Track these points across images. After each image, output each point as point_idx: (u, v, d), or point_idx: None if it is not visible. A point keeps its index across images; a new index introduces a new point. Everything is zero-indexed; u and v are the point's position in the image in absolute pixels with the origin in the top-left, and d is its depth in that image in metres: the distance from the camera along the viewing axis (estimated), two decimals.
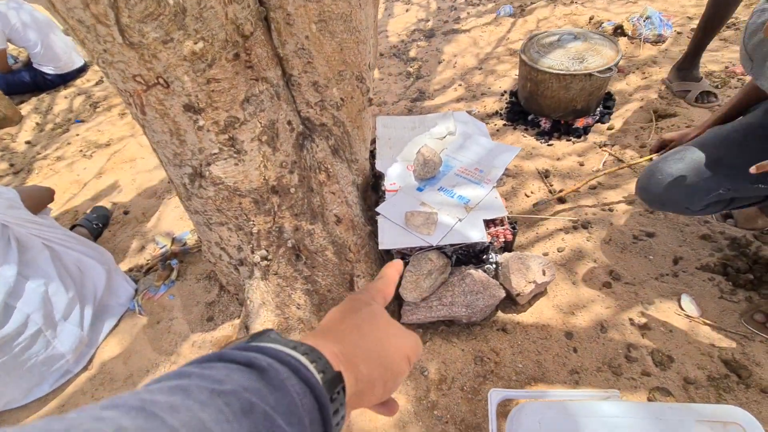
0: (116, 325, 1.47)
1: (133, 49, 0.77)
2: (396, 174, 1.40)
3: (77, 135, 2.71)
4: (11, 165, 2.52)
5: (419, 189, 1.34)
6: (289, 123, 1.01)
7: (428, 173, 1.34)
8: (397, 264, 0.46)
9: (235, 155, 0.95)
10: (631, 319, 1.20)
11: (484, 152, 1.43)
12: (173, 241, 1.72)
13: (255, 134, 0.94)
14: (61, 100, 3.16)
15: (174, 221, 1.86)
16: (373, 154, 1.49)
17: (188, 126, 0.89)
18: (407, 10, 3.50)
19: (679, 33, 2.44)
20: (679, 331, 1.16)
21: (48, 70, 3.16)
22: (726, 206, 1.15)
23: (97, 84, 3.31)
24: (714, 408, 0.64)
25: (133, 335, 1.43)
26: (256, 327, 1.19)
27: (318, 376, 0.28)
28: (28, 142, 2.73)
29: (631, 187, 1.63)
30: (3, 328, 1.13)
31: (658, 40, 2.41)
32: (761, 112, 1.09)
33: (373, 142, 1.54)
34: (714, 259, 1.31)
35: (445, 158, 1.43)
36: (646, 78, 2.16)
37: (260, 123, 0.94)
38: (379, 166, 1.42)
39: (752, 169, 0.87)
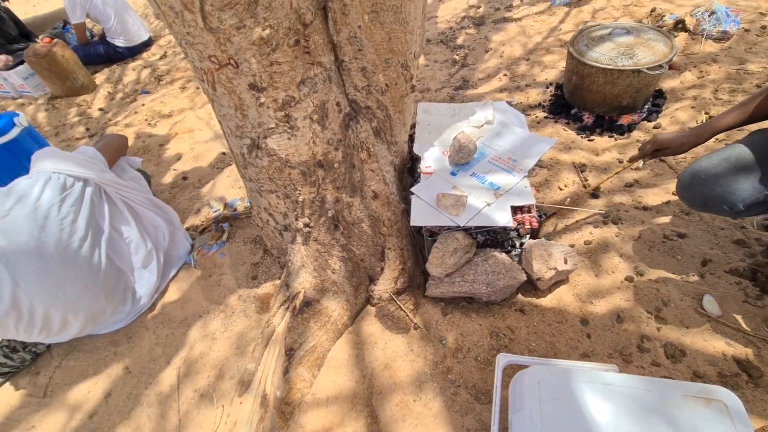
0: (175, 275, 1.68)
1: (212, 33, 0.89)
2: (432, 158, 1.48)
3: (143, 105, 2.97)
4: (87, 129, 2.82)
5: (453, 173, 1.41)
6: (338, 104, 1.12)
7: (462, 159, 1.41)
8: None
9: (288, 130, 1.08)
10: (648, 313, 1.24)
11: (519, 142, 1.48)
12: (225, 206, 1.90)
13: (307, 113, 1.06)
14: (130, 72, 3.45)
15: (226, 188, 2.05)
16: (412, 138, 1.57)
17: (251, 102, 1.02)
18: None
19: (746, 30, 2.30)
20: (697, 329, 1.18)
21: (119, 43, 3.46)
22: (767, 209, 1.15)
23: (161, 58, 3.57)
24: (701, 386, 0.69)
25: (188, 285, 1.63)
26: (296, 286, 1.33)
27: None
28: (101, 109, 3.03)
29: (668, 186, 1.62)
30: (101, 271, 1.36)
31: (722, 36, 2.28)
32: None
33: (413, 126, 1.62)
34: (745, 264, 1.30)
35: (481, 146, 1.49)
36: (702, 77, 2.08)
37: (313, 103, 1.05)
38: (416, 150, 1.51)
39: None
